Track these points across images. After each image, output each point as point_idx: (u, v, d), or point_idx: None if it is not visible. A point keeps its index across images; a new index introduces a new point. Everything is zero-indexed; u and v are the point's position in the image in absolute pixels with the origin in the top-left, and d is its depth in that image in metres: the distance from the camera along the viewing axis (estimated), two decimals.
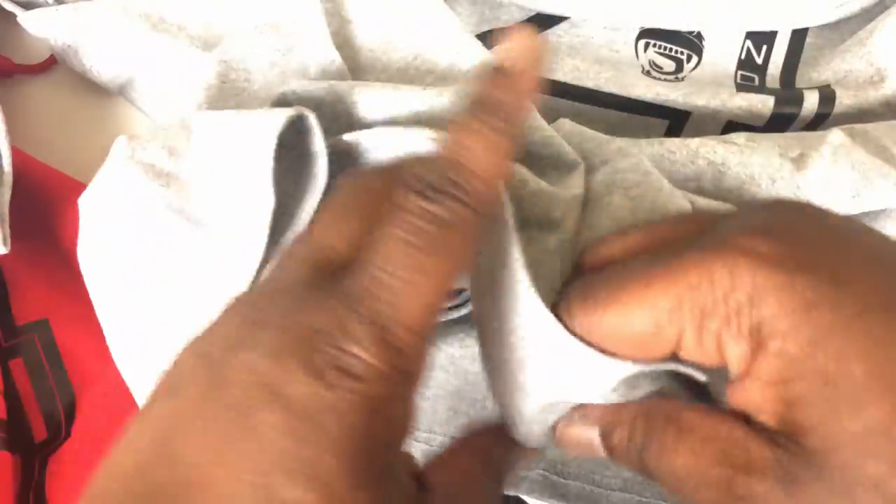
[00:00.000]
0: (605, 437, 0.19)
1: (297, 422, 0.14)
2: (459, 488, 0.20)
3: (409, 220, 0.16)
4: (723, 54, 0.35)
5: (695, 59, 0.35)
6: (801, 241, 0.16)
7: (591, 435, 0.19)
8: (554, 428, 0.20)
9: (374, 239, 0.16)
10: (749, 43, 0.35)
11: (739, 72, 0.35)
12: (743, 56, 0.35)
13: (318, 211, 0.25)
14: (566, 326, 0.18)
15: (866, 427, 0.15)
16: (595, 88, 0.33)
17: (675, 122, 0.34)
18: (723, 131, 0.33)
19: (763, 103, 0.32)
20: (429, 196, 0.16)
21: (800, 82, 0.35)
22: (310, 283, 0.17)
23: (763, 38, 0.35)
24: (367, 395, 0.15)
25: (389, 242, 0.16)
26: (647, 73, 0.35)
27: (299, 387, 0.15)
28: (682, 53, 0.35)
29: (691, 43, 0.35)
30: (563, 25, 0.35)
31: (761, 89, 0.34)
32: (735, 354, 0.16)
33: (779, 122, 0.33)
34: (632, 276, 0.18)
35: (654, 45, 0.35)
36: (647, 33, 0.35)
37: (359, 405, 0.15)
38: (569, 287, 0.20)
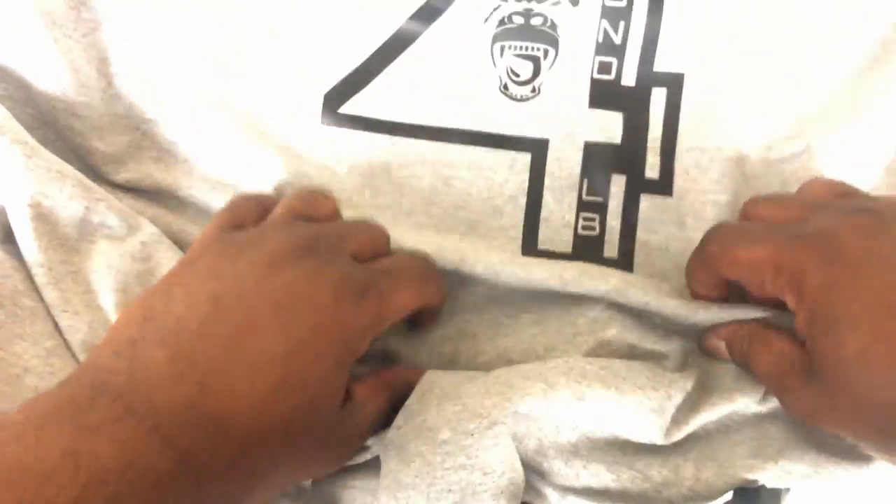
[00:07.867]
0: (729, 345, 0.30)
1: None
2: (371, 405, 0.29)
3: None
4: (580, 41, 0.35)
5: (552, 52, 0.35)
6: (842, 263, 0.25)
7: (720, 344, 0.31)
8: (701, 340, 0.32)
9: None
10: (605, 22, 0.35)
11: (598, 58, 0.35)
12: (600, 39, 0.35)
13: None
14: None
15: (856, 347, 0.24)
16: (452, 127, 0.35)
17: (537, 153, 0.35)
18: (584, 151, 0.34)
19: (613, 120, 0.35)
20: None
21: (658, 65, 0.35)
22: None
23: (619, 14, 0.35)
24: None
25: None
26: (505, 88, 0.35)
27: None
28: (538, 49, 0.35)
29: (546, 35, 0.35)
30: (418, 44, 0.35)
31: (614, 94, 0.34)
32: (790, 300, 0.27)
33: (632, 141, 0.34)
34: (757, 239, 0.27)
35: (510, 48, 0.35)
36: (502, 35, 0.35)
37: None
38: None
